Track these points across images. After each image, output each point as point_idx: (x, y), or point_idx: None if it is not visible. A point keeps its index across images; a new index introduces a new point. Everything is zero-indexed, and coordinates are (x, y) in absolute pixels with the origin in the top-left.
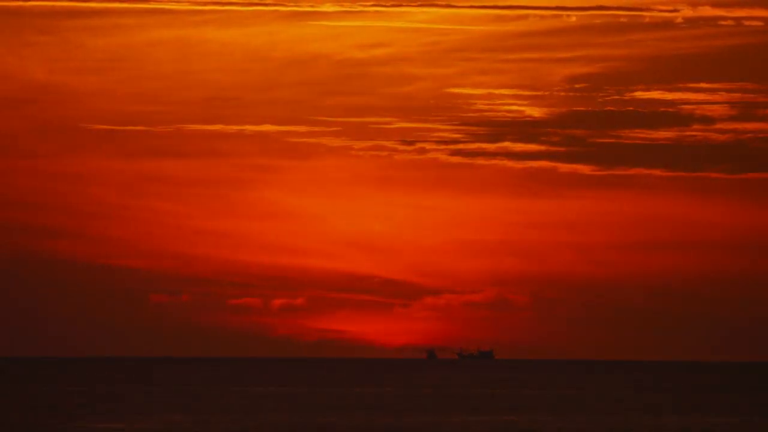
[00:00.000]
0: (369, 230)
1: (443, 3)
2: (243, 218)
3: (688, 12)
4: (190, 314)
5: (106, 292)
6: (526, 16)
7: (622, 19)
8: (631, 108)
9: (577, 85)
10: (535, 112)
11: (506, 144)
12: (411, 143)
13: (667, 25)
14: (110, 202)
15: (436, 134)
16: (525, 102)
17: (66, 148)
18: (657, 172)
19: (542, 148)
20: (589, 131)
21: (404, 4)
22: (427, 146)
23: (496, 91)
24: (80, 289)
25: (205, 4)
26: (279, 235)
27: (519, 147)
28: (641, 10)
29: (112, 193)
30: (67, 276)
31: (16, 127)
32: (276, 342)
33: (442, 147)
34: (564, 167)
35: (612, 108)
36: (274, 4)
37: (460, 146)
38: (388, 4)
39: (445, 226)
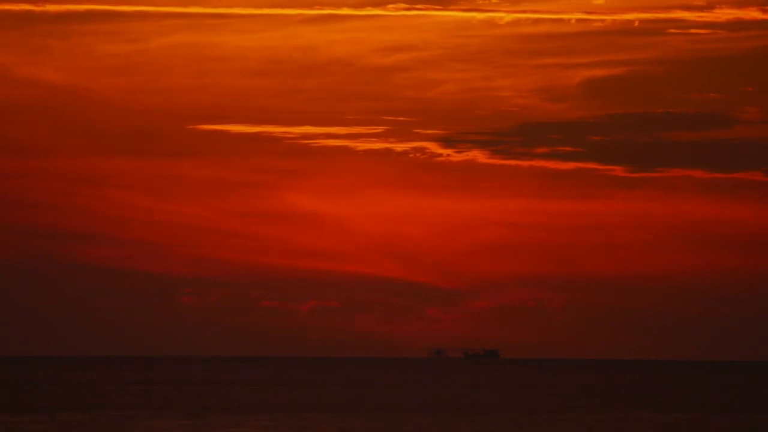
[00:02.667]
0: (398, 233)
1: (465, 7)
2: (268, 221)
3: (726, 14)
4: (220, 315)
5: (133, 295)
6: (553, 20)
7: (653, 22)
8: (662, 110)
9: (606, 87)
10: (563, 114)
11: (534, 147)
12: (437, 147)
13: (707, 26)
14: (133, 205)
15: (461, 137)
16: (552, 103)
17: (85, 151)
18: (692, 173)
19: (573, 150)
20: (622, 133)
21: (423, 8)
22: (453, 149)
23: (523, 93)
24: (110, 292)
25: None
26: (304, 238)
27: (548, 150)
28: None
29: (135, 197)
30: (95, 280)
31: (35, 131)
32: (308, 342)
33: (469, 150)
34: (596, 169)
35: (646, 110)
36: (296, 7)
37: (488, 149)
38: (408, 8)
39: (473, 229)
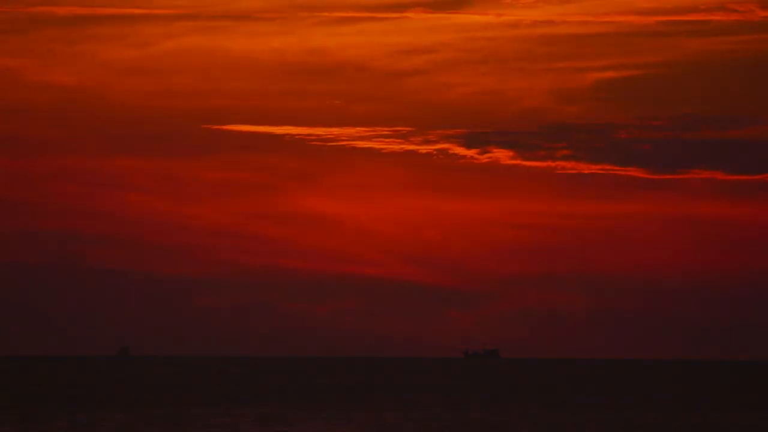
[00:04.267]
0: (416, 234)
1: (478, 11)
2: (284, 223)
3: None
4: (239, 317)
5: (153, 297)
6: (571, 22)
7: (672, 24)
8: (683, 111)
9: (626, 89)
10: (583, 115)
11: (555, 148)
12: (459, 148)
13: (727, 26)
14: (150, 207)
15: (478, 140)
16: (572, 105)
17: (100, 154)
18: (713, 175)
19: (594, 152)
20: (642, 135)
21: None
22: (470, 152)
23: (542, 95)
24: (126, 294)
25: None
26: (320, 240)
27: (569, 152)
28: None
29: (152, 199)
30: (116, 283)
31: (49, 133)
32: (328, 342)
33: (486, 153)
34: (617, 170)
35: (667, 112)
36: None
37: (504, 152)
38: (424, 12)
39: (489, 231)
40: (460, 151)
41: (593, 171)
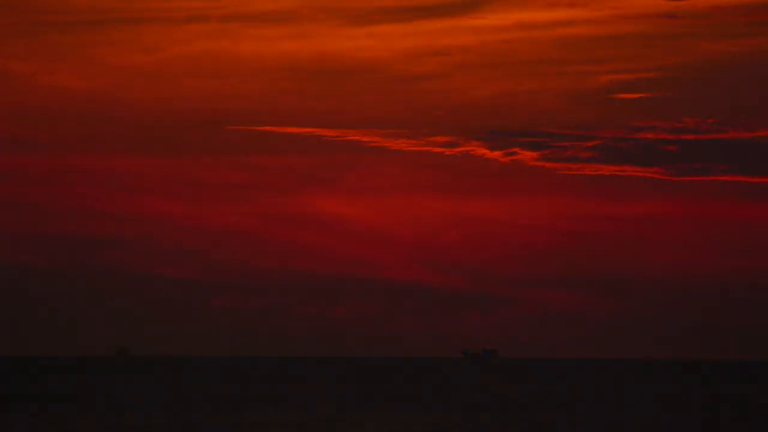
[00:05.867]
0: (435, 237)
1: (493, 13)
2: (301, 226)
3: None
4: (256, 319)
5: (173, 301)
6: (581, 22)
7: (692, 27)
8: (705, 112)
9: (646, 90)
10: (605, 117)
11: (576, 150)
12: (482, 150)
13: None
14: (164, 210)
15: (501, 141)
16: (592, 107)
17: (111, 156)
18: (736, 178)
19: (615, 153)
20: (665, 136)
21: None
22: (494, 154)
23: (560, 97)
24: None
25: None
26: (337, 243)
27: (592, 153)
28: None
29: (166, 202)
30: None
31: (59, 136)
32: (345, 342)
33: (503, 155)
34: (638, 171)
35: (688, 113)
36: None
37: (523, 154)
38: (439, 16)
39: (506, 234)
40: (485, 152)
41: (614, 171)
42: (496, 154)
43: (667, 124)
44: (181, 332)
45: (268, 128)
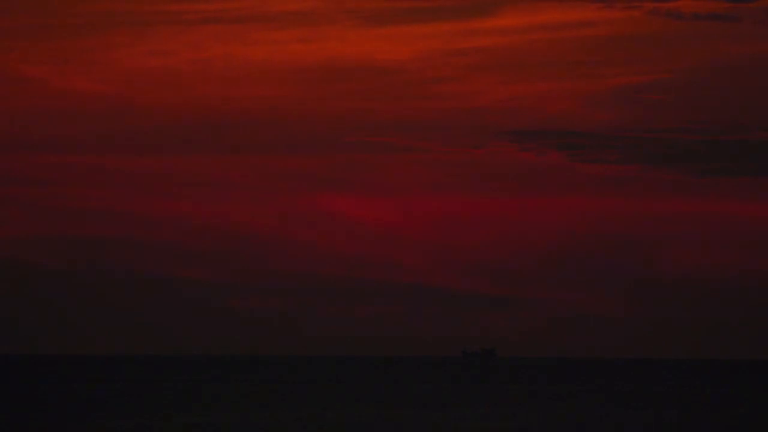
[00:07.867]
0: (455, 238)
1: (508, 16)
2: (316, 228)
3: None
4: (273, 319)
5: (189, 302)
6: (602, 23)
7: (708, 28)
8: (728, 114)
9: (669, 92)
10: (627, 117)
11: (598, 151)
12: (504, 150)
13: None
14: (184, 211)
15: (517, 144)
16: (615, 108)
17: (126, 158)
18: (763, 179)
19: (637, 153)
20: (691, 137)
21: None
22: (504, 154)
23: (580, 98)
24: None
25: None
26: (355, 245)
27: (617, 155)
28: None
29: (182, 203)
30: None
31: (77, 138)
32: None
33: (526, 155)
34: (661, 172)
35: (712, 114)
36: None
37: (548, 154)
38: (455, 19)
39: (527, 235)
40: (508, 152)
41: (636, 172)
42: (521, 155)
43: (695, 125)
44: (201, 333)
45: (285, 129)
